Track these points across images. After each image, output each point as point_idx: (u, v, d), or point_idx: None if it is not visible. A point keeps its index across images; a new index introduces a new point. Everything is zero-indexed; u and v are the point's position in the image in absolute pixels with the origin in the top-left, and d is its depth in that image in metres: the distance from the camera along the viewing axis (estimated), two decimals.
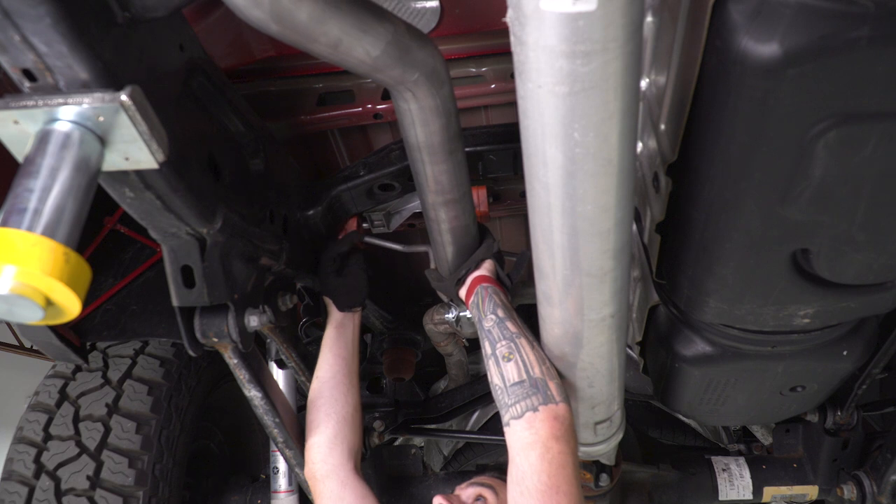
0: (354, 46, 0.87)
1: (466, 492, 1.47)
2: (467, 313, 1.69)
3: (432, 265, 1.61)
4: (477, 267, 1.46)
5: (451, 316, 1.71)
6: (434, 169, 1.18)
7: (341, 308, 1.55)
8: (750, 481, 2.22)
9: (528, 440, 1.08)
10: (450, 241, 1.40)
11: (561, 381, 1.19)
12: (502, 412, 1.15)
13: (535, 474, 1.05)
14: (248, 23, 0.80)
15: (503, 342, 1.21)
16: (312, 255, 1.56)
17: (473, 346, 2.47)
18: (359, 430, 1.48)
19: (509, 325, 1.25)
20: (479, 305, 1.34)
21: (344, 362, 1.50)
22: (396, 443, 2.43)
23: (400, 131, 1.13)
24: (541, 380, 1.14)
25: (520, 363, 1.17)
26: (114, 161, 0.79)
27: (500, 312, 1.29)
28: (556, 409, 1.11)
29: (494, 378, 1.19)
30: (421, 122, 1.07)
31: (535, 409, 1.10)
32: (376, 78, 0.97)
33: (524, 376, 1.15)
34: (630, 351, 1.67)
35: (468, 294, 1.43)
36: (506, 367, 1.18)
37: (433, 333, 1.92)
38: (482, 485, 1.47)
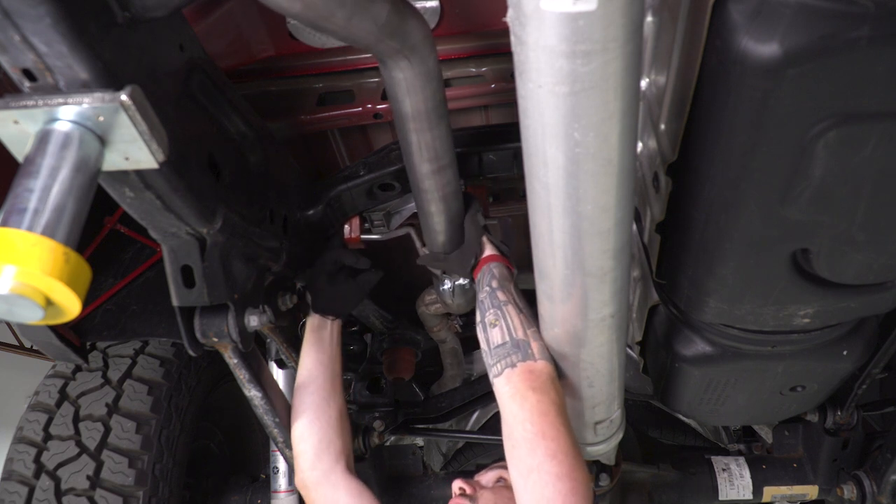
0: (364, 17, 0.92)
1: (486, 476, 1.49)
2: (461, 281, 1.65)
3: (418, 246, 1.59)
4: (482, 249, 1.48)
5: (447, 286, 1.66)
6: (428, 136, 1.20)
7: (316, 308, 1.51)
8: (750, 481, 2.22)
9: (508, 393, 1.12)
10: (441, 210, 1.39)
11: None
12: (489, 375, 1.19)
13: (519, 424, 1.08)
14: (271, 7, 0.83)
15: (491, 310, 1.26)
16: (312, 255, 1.56)
17: (471, 345, 2.47)
18: (346, 432, 1.46)
19: (500, 294, 1.29)
20: (480, 281, 1.39)
21: (323, 367, 1.47)
22: (388, 442, 2.42)
23: (392, 106, 1.15)
24: (523, 341, 1.18)
25: (504, 328, 1.21)
26: (114, 161, 0.79)
27: (494, 283, 1.33)
28: (533, 364, 1.15)
29: (482, 344, 1.24)
30: (415, 88, 1.10)
31: (513, 366, 1.15)
32: (377, 49, 1.00)
33: (507, 338, 1.19)
34: (630, 351, 1.67)
35: (475, 274, 1.47)
36: (491, 332, 1.22)
37: (426, 317, 1.91)
38: (503, 467, 1.48)
